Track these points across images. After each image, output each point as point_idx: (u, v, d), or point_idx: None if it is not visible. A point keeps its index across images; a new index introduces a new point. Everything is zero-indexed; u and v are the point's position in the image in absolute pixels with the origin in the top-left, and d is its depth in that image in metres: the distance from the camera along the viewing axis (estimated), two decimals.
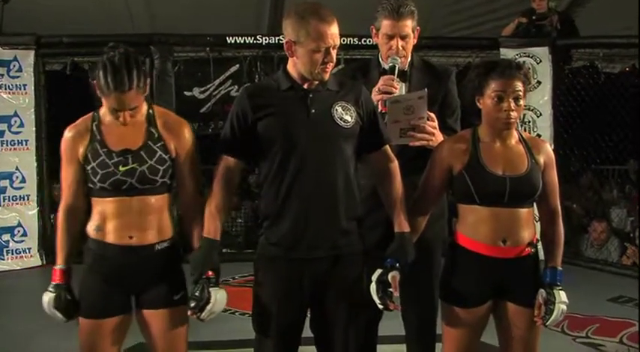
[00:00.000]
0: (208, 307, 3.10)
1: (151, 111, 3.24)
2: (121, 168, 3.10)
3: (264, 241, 3.25)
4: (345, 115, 3.17)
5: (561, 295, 3.25)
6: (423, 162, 3.53)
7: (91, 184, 3.16)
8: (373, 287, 3.20)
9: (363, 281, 3.28)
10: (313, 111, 3.17)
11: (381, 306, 3.21)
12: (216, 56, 8.56)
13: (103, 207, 3.14)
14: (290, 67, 3.22)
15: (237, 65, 8.60)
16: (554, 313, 3.22)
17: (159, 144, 3.17)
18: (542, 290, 3.25)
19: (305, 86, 3.20)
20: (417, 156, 3.54)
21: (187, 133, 3.27)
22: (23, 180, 8.08)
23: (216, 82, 8.61)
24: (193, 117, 8.47)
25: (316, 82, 3.19)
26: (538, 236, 3.37)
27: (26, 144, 8.10)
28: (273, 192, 3.20)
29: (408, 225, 3.30)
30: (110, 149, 3.14)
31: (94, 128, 3.19)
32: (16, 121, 8.02)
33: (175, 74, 8.41)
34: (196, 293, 3.11)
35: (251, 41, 8.45)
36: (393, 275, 3.19)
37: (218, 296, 3.14)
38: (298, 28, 3.09)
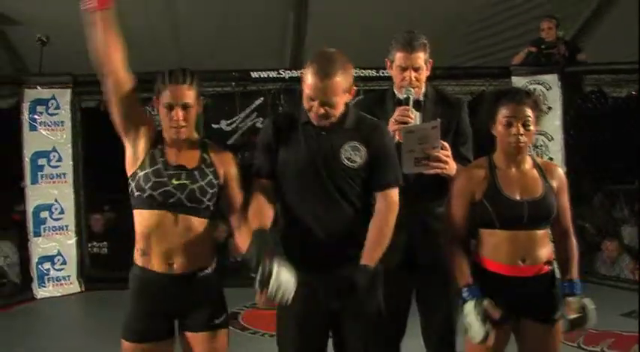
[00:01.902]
0: (272, 279, 2.89)
1: (205, 140, 3.32)
2: (174, 181, 3.13)
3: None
4: (354, 156, 3.18)
5: (585, 301, 3.21)
6: (437, 190, 3.54)
7: (139, 192, 3.15)
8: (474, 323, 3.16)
9: (378, 303, 3.27)
10: (323, 149, 3.19)
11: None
12: (241, 90, 8.60)
13: (147, 224, 3.13)
14: None
15: (262, 98, 8.62)
16: (589, 320, 3.18)
17: (211, 169, 3.22)
18: (565, 301, 3.23)
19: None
20: (432, 184, 3.54)
21: (234, 162, 3.33)
22: (62, 212, 8.11)
23: (242, 114, 8.63)
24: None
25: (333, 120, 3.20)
26: (554, 254, 3.35)
27: (64, 178, 8.14)
28: (283, 219, 3.26)
29: (374, 259, 3.16)
30: (168, 161, 3.17)
31: (159, 138, 3.24)
32: (54, 156, 8.07)
33: (203, 108, 8.40)
34: (257, 272, 2.91)
35: (274, 75, 8.48)
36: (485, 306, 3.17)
37: (282, 270, 2.94)
38: (304, 73, 3.17)
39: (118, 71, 3.10)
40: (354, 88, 3.23)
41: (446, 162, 3.47)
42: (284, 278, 2.93)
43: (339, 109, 3.17)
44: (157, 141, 3.22)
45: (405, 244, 3.56)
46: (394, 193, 3.26)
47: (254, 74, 8.46)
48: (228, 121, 8.64)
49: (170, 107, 3.13)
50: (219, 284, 3.31)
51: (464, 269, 3.28)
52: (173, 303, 3.18)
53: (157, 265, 3.14)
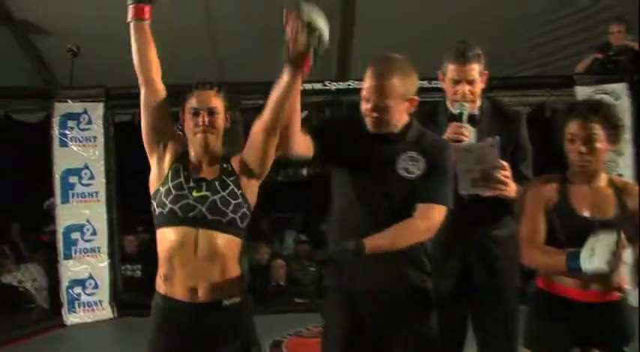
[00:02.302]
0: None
1: (228, 153, 3.30)
2: (194, 194, 3.12)
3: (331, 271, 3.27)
4: (412, 167, 3.14)
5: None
6: (494, 212, 3.48)
7: (160, 208, 3.15)
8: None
9: (430, 329, 3.22)
10: (379, 158, 3.16)
11: None
12: None
13: (169, 244, 3.09)
14: None
15: (305, 111, 8.52)
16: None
17: (232, 178, 3.19)
18: None
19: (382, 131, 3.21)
20: (489, 206, 3.48)
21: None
22: (94, 233, 8.13)
23: None
24: None
25: (391, 129, 3.19)
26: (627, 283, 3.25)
27: (97, 196, 8.17)
28: (333, 230, 3.27)
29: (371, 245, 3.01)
30: (190, 174, 3.17)
31: (185, 153, 3.25)
32: (86, 173, 8.11)
33: (243, 122, 8.40)
34: None
35: (319, 87, 8.40)
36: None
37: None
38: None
39: (151, 81, 3.22)
40: (416, 98, 3.22)
41: (505, 183, 3.41)
42: (320, 18, 2.83)
43: (395, 116, 3.15)
44: (182, 156, 3.23)
45: (459, 269, 3.53)
46: (436, 212, 3.16)
47: None
48: None
49: (196, 113, 3.17)
50: (249, 313, 3.24)
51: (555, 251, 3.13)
52: (198, 336, 3.11)
53: (179, 292, 3.09)
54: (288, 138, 3.14)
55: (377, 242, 3.04)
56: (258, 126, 3.15)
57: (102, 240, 8.20)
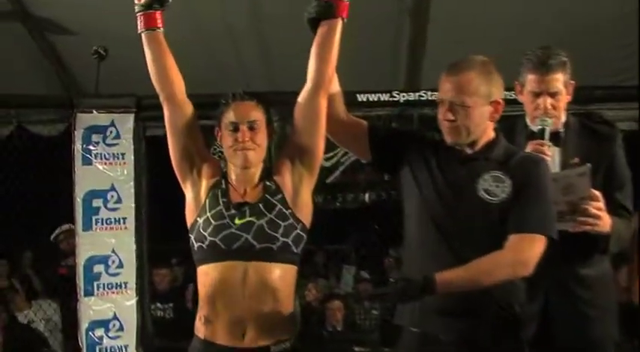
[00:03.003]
0: None
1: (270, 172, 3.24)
2: (237, 221, 3.09)
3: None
4: (495, 188, 3.01)
5: None
6: (583, 249, 3.41)
7: (199, 242, 3.09)
8: None
9: None
10: (457, 178, 3.07)
11: None
12: None
13: (212, 282, 3.02)
14: None
15: None
16: None
17: (278, 197, 3.16)
18: None
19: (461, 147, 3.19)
20: (577, 242, 3.32)
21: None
22: (120, 265, 7.97)
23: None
24: (318, 189, 8.48)
25: (471, 144, 3.19)
26: None
27: (124, 223, 8.02)
28: (403, 261, 3.20)
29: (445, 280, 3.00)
30: (230, 199, 3.11)
31: (223, 177, 3.23)
32: (112, 196, 7.98)
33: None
34: None
35: (386, 98, 8.27)
36: None
37: None
38: None
39: (173, 98, 3.24)
40: (501, 101, 3.21)
41: (597, 217, 3.29)
42: None
43: (474, 120, 3.08)
44: (220, 180, 3.17)
45: (540, 313, 3.49)
46: (530, 243, 3.01)
47: (361, 97, 8.16)
48: (327, 155, 8.33)
49: (235, 127, 3.11)
50: None
51: None
52: None
53: (222, 336, 3.02)
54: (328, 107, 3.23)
55: (451, 277, 2.90)
56: (304, 97, 3.19)
57: (129, 275, 8.03)
